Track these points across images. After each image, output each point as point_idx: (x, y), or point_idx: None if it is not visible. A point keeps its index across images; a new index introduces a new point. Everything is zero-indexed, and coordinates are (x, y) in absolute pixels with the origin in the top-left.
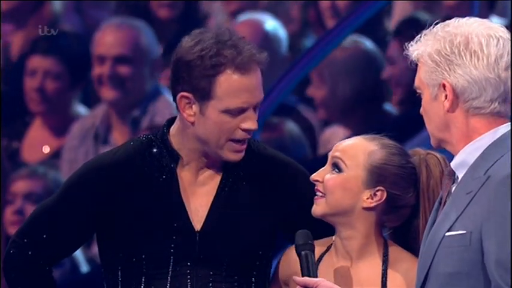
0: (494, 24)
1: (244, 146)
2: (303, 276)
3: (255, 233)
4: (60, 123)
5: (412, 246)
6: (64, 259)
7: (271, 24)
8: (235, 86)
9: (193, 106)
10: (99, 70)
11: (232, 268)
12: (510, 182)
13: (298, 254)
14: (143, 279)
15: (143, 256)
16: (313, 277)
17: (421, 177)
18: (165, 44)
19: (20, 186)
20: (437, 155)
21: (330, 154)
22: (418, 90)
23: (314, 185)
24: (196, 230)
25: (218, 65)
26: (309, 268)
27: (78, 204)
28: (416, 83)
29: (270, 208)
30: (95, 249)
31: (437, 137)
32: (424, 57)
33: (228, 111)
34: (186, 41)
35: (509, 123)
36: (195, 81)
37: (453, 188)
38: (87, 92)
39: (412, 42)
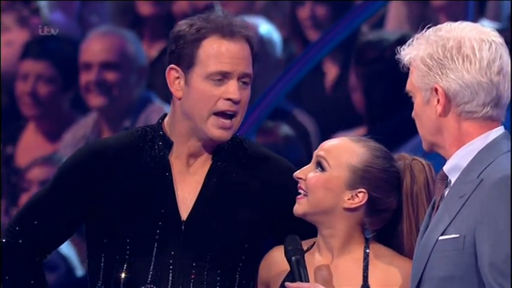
0: (486, 29)
1: (230, 124)
2: (294, 281)
3: (241, 226)
4: (54, 128)
5: (396, 251)
6: (54, 250)
7: (265, 28)
8: (217, 50)
9: (181, 80)
10: (86, 77)
11: (216, 261)
12: (510, 182)
13: (289, 260)
14: (125, 266)
15: (127, 240)
16: (306, 282)
17: (404, 182)
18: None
19: (36, 173)
20: (423, 161)
21: (315, 153)
22: (409, 94)
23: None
24: (182, 219)
25: (204, 29)
26: (301, 273)
27: (69, 187)
28: (408, 87)
29: (258, 203)
30: None
31: (430, 141)
32: (416, 61)
33: (209, 77)
34: (182, 21)
35: (501, 127)
36: (181, 49)
37: (446, 192)
38: (80, 99)
39: (404, 46)
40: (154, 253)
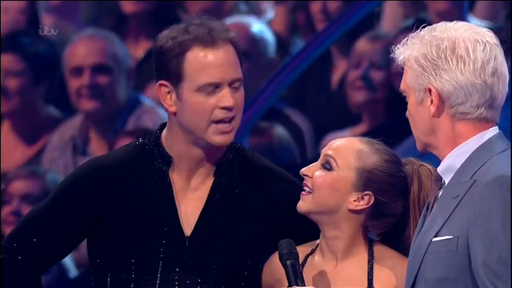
0: (481, 29)
1: (230, 128)
2: (290, 286)
3: (245, 242)
4: (30, 127)
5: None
6: (53, 266)
7: (257, 27)
8: (202, 62)
9: (172, 95)
10: (77, 82)
11: (221, 276)
12: (510, 184)
13: (284, 264)
14: (132, 285)
15: (132, 260)
16: (301, 286)
17: (412, 188)
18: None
19: (18, 186)
20: (430, 167)
21: (323, 151)
22: (403, 94)
23: None
24: (186, 235)
25: (185, 42)
26: (297, 277)
27: (69, 206)
28: (402, 86)
29: (261, 218)
30: (83, 253)
31: (423, 141)
32: (410, 61)
33: (200, 90)
34: (162, 33)
35: (496, 127)
36: (167, 66)
37: (440, 193)
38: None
39: (398, 45)
40: (159, 271)
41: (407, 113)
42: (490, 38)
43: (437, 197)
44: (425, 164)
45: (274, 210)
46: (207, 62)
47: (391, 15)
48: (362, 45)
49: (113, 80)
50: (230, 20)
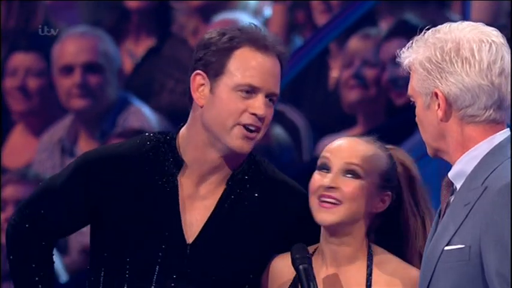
0: (487, 28)
1: (253, 136)
2: None
3: (249, 257)
4: (43, 126)
5: (395, 246)
6: (61, 238)
7: (247, 23)
8: (248, 62)
9: (205, 88)
10: (68, 80)
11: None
12: (510, 190)
13: (296, 269)
14: (125, 286)
15: (128, 260)
16: None
17: (400, 173)
18: None
19: (10, 191)
20: (398, 148)
21: (343, 161)
22: (411, 99)
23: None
24: (187, 242)
25: (236, 40)
26: (310, 281)
27: (74, 190)
28: (409, 91)
29: (268, 234)
30: (74, 258)
31: (433, 146)
32: (415, 65)
33: (237, 89)
34: (211, 30)
35: (506, 129)
36: (210, 57)
37: (452, 199)
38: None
39: (403, 49)
40: (155, 276)
41: (416, 118)
42: (496, 37)
43: (449, 203)
44: (393, 147)
45: (284, 227)
46: (253, 64)
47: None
48: (354, 43)
49: (104, 78)
50: (219, 17)
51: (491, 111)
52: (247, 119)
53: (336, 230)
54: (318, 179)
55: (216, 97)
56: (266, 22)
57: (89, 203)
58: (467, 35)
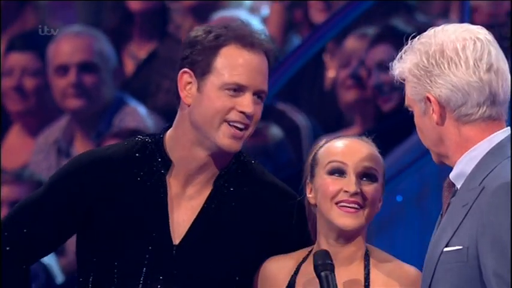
0: (471, 27)
1: (242, 134)
2: None
3: (236, 257)
4: (40, 127)
5: None
6: (42, 258)
7: (245, 20)
8: (235, 60)
9: (192, 86)
10: (63, 81)
11: None
12: (511, 189)
13: (318, 275)
14: None
15: (116, 263)
16: None
17: None
18: None
19: (5, 192)
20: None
21: (359, 165)
22: (409, 109)
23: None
24: (174, 243)
25: (222, 37)
26: None
27: (63, 197)
28: (406, 101)
29: (256, 235)
30: (70, 259)
31: (435, 152)
32: (405, 74)
33: (225, 87)
34: (196, 27)
35: (507, 128)
36: (197, 55)
37: (453, 200)
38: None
39: (395, 61)
40: (142, 278)
41: (416, 127)
42: (481, 34)
43: (449, 205)
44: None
45: (271, 227)
46: (240, 62)
47: None
48: (351, 43)
49: (99, 78)
50: (218, 15)
51: (485, 107)
52: (235, 116)
53: (353, 233)
54: (335, 184)
55: (204, 95)
56: (264, 20)
57: (78, 209)
58: (451, 36)
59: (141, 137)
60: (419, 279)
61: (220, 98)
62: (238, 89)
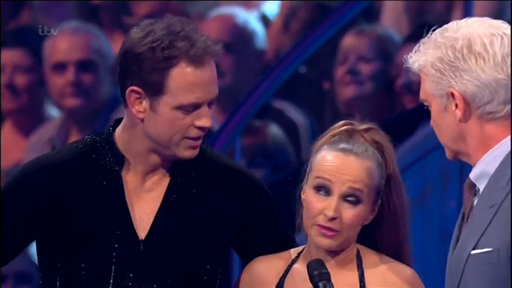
0: (495, 22)
1: (199, 142)
2: None
3: (204, 245)
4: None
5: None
6: (5, 264)
7: (243, 18)
8: (189, 80)
9: (144, 102)
10: (60, 79)
11: (178, 282)
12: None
13: (316, 285)
14: None
15: (83, 265)
16: None
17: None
18: None
19: None
20: (376, 128)
21: (344, 185)
22: (425, 103)
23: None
24: (140, 238)
25: (171, 58)
26: None
27: (15, 206)
28: (422, 95)
29: (220, 220)
30: None
31: (453, 149)
32: (426, 68)
33: (181, 108)
34: (135, 32)
35: None
36: (146, 75)
37: (475, 202)
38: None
39: (410, 54)
40: (112, 276)
41: (431, 122)
42: (507, 29)
43: (472, 206)
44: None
45: (234, 211)
46: (194, 82)
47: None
48: (348, 40)
49: (97, 77)
50: (215, 12)
51: (509, 105)
52: (194, 133)
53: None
54: (318, 203)
55: (159, 115)
56: (262, 18)
57: (33, 217)
58: (477, 30)
59: (89, 136)
60: (415, 279)
61: (178, 117)
62: (195, 107)
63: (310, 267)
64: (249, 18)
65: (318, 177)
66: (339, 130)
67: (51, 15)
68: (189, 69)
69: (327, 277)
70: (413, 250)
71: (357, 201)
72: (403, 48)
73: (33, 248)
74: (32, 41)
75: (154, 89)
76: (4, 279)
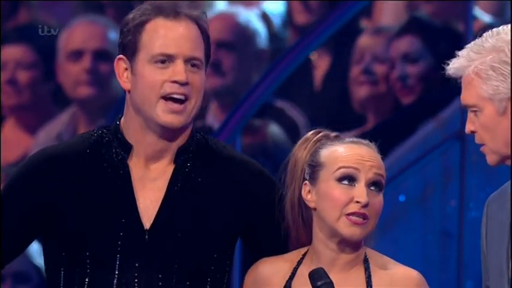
0: None
1: (181, 107)
2: None
3: (209, 234)
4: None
5: None
6: (7, 264)
7: (245, 16)
8: (159, 31)
9: (128, 72)
10: (75, 68)
11: (184, 271)
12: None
13: None
14: (86, 281)
15: (87, 254)
16: None
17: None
18: None
19: None
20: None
21: (370, 172)
22: (473, 109)
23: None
24: (145, 228)
25: (146, 13)
26: None
27: (21, 199)
28: (471, 100)
29: (226, 209)
30: None
31: (503, 153)
32: (485, 71)
33: (153, 60)
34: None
35: None
36: (126, 38)
37: None
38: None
39: (454, 60)
40: (117, 266)
41: (473, 127)
42: None
43: None
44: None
45: (240, 201)
46: (165, 33)
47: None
48: (364, 40)
49: (113, 68)
50: (216, 10)
51: None
52: (169, 88)
53: (357, 242)
54: (345, 193)
55: (137, 76)
56: (263, 16)
57: (39, 209)
58: None
59: (97, 129)
60: (422, 282)
61: (151, 72)
62: (166, 60)
63: (312, 279)
64: (251, 17)
65: (341, 167)
66: (317, 136)
67: (51, 13)
68: (161, 22)
69: (331, 286)
70: (413, 249)
71: (380, 189)
72: (396, 40)
73: (32, 248)
74: (34, 38)
75: (132, 48)
76: (3, 279)
